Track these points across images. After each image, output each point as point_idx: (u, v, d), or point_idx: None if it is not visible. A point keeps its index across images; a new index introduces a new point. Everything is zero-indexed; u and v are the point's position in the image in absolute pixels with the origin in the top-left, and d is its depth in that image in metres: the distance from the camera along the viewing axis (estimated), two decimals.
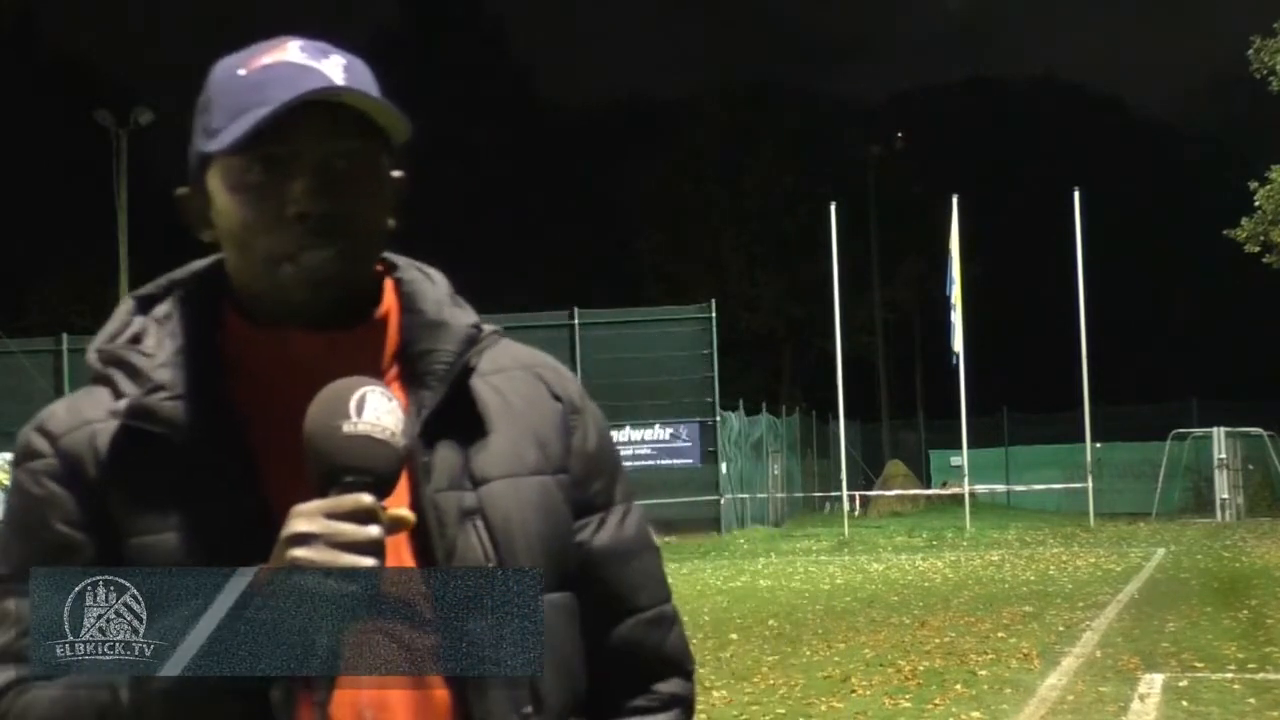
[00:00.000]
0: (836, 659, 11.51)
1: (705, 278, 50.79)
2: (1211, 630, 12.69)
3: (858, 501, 36.55)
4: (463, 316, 1.55)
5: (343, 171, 1.42)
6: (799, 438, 40.00)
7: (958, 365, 31.43)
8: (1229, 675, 10.22)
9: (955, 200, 31.80)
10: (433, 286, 1.57)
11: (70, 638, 1.40)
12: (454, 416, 1.49)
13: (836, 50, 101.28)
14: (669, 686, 1.61)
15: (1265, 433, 34.46)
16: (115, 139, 31.57)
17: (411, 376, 1.50)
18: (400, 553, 1.42)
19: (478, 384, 1.53)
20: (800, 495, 39.23)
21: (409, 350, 1.51)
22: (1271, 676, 10.12)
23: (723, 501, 30.28)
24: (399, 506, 1.37)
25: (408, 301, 1.54)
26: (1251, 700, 9.15)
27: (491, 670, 1.41)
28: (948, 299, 32.62)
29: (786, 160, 53.76)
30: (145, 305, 1.57)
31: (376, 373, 1.46)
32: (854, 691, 9.93)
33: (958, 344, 31.58)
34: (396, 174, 1.51)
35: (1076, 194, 31.03)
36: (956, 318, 31.92)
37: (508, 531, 1.47)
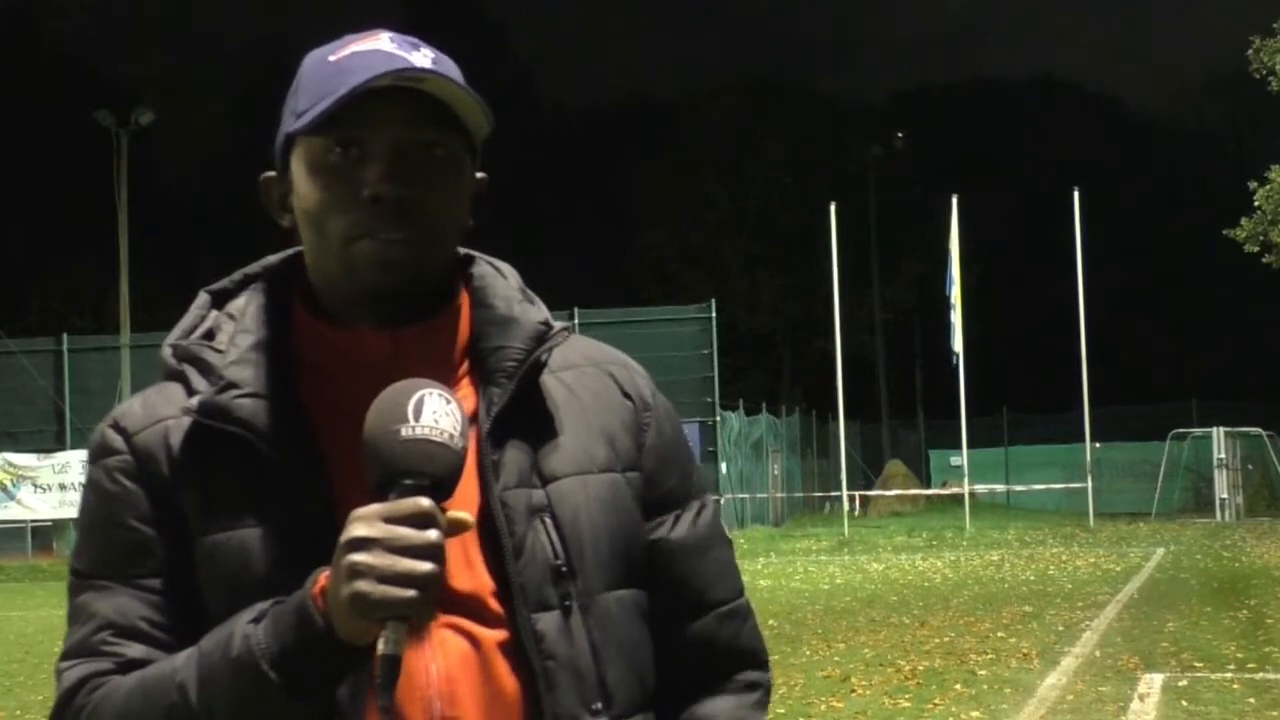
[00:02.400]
0: (836, 659, 11.51)
1: (705, 278, 50.81)
2: (1211, 630, 12.69)
3: (858, 501, 36.55)
4: (534, 313, 1.55)
5: (419, 159, 1.43)
6: (799, 438, 40.00)
7: (957, 365, 31.44)
8: (1228, 675, 10.22)
9: (955, 200, 31.81)
10: (504, 281, 1.57)
11: (142, 635, 1.42)
12: (523, 414, 1.49)
13: (837, 50, 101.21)
14: (747, 676, 1.61)
15: (1265, 433, 34.48)
16: (115, 139, 31.57)
17: (481, 373, 1.50)
18: (469, 550, 1.43)
19: (548, 380, 1.53)
20: (800, 495, 39.23)
21: (479, 346, 1.51)
22: (1271, 676, 10.13)
23: (722, 501, 30.29)
24: (467, 505, 1.37)
25: (479, 296, 1.55)
26: (1251, 700, 9.15)
27: (560, 666, 1.42)
28: (948, 299, 32.62)
29: (786, 160, 53.76)
30: (219, 300, 1.57)
31: (446, 370, 1.47)
32: (854, 691, 9.93)
33: (958, 344, 31.59)
34: (479, 175, 1.52)
35: (1076, 194, 31.03)
36: (956, 318, 31.92)
37: (576, 529, 1.47)
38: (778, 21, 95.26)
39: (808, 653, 11.92)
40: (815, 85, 66.92)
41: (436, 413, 1.31)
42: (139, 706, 1.37)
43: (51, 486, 28.14)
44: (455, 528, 1.31)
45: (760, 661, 1.63)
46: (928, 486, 39.48)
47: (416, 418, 1.30)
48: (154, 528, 1.45)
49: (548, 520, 1.46)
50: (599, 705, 1.45)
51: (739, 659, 1.61)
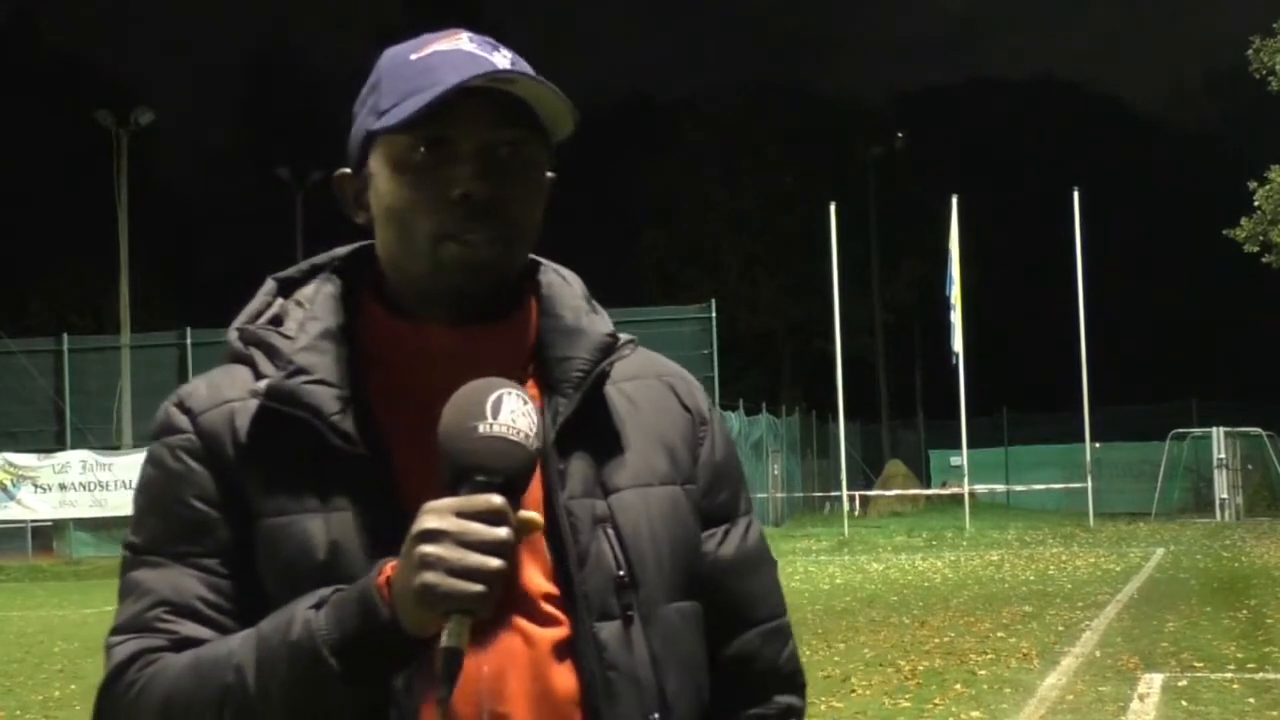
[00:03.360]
0: (836, 659, 11.51)
1: (705, 278, 50.79)
2: (1211, 630, 12.69)
3: (858, 501, 36.55)
4: (599, 324, 1.56)
5: (505, 159, 1.44)
6: (799, 438, 40.00)
7: (957, 365, 31.45)
8: (1228, 675, 10.22)
9: (955, 200, 31.81)
10: (570, 290, 1.58)
11: (197, 614, 1.42)
12: (588, 425, 1.50)
13: (837, 50, 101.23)
14: (783, 699, 1.61)
15: (1264, 433, 34.48)
16: (115, 139, 31.59)
17: (548, 382, 1.51)
18: (536, 556, 1.44)
19: (610, 391, 1.54)
20: (800, 495, 39.23)
21: (545, 354, 1.52)
22: (1271, 676, 10.13)
23: None
24: (531, 510, 1.37)
25: (546, 305, 1.55)
26: (1251, 700, 9.15)
27: (621, 676, 1.43)
28: (947, 299, 32.62)
29: (786, 160, 53.74)
30: (286, 288, 1.57)
31: (512, 372, 1.46)
32: (854, 691, 9.93)
33: (957, 344, 31.60)
34: (550, 174, 1.52)
35: (1076, 194, 31.04)
36: (956, 318, 31.92)
37: (637, 540, 1.48)
38: (778, 21, 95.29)
39: (808, 653, 11.92)
40: (815, 85, 66.93)
41: (514, 412, 1.32)
42: (191, 685, 1.37)
43: (51, 486, 28.14)
44: (525, 527, 1.31)
45: (798, 685, 1.64)
46: (928, 486, 39.49)
47: (494, 415, 1.31)
48: (215, 508, 1.45)
49: (610, 531, 1.47)
50: (657, 716, 1.46)
51: (778, 680, 1.61)
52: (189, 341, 31.30)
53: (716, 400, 32.60)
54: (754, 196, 53.97)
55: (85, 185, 41.34)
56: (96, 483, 27.94)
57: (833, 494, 37.00)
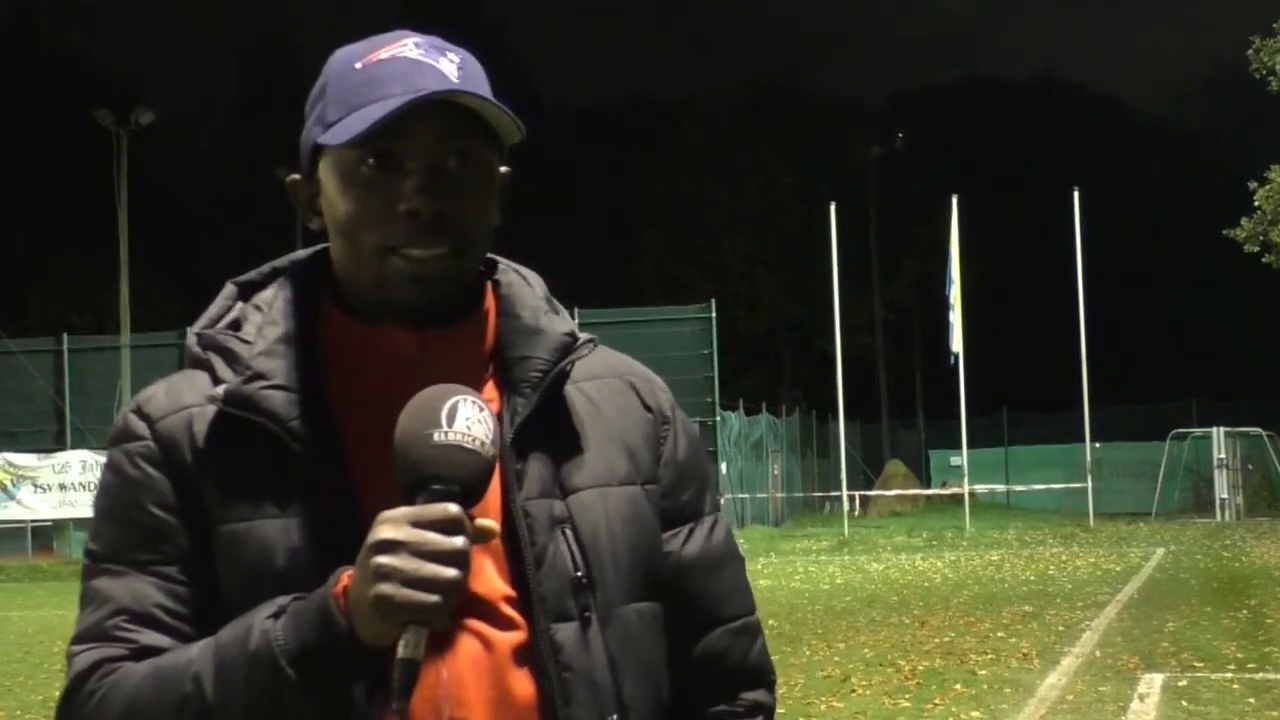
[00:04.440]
0: (836, 659, 11.51)
1: (705, 278, 50.77)
2: (1211, 630, 12.69)
3: (858, 501, 36.55)
4: (559, 324, 1.55)
5: (454, 171, 1.43)
6: (799, 438, 40.00)
7: (957, 365, 31.45)
8: (1228, 675, 10.22)
9: (955, 200, 31.81)
10: (530, 290, 1.57)
11: (156, 622, 1.42)
12: (546, 425, 1.49)
13: (837, 50, 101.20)
14: (752, 696, 1.61)
15: (1265, 433, 34.48)
16: (115, 139, 31.56)
17: (506, 382, 1.50)
18: (494, 558, 1.43)
19: (570, 391, 1.53)
20: (800, 495, 39.23)
21: (504, 354, 1.51)
22: (1271, 676, 10.13)
23: (722, 501, 30.30)
24: (489, 512, 1.37)
25: (505, 305, 1.55)
26: (1251, 700, 9.15)
27: (577, 678, 1.43)
28: (947, 299, 32.63)
29: (786, 160, 53.74)
30: (246, 292, 1.56)
31: (471, 373, 1.46)
32: (854, 691, 9.93)
33: (956, 344, 31.60)
34: (503, 169, 1.51)
35: (1076, 194, 31.04)
36: (955, 318, 31.93)
37: (595, 541, 1.47)
38: (778, 21, 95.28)
39: (808, 653, 11.92)
40: (815, 85, 67.08)
41: (470, 419, 1.31)
42: (151, 695, 1.37)
43: (51, 486, 28.13)
44: (482, 535, 1.31)
45: (768, 682, 1.63)
46: (928, 486, 39.49)
47: (450, 423, 1.30)
48: (174, 515, 1.44)
49: (568, 532, 1.47)
50: (615, 717, 1.45)
51: (746, 677, 1.61)
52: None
53: (716, 400, 32.60)
54: (754, 196, 53.96)
55: (85, 185, 41.31)
56: (96, 483, 27.91)
57: (833, 494, 37.00)
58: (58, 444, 30.18)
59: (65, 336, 32.55)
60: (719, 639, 1.58)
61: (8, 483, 28.17)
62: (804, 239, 49.27)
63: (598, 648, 1.45)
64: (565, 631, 1.43)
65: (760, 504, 34.31)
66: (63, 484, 28.04)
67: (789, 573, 20.80)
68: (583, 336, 1.56)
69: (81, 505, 28.05)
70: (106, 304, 38.74)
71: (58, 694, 1.46)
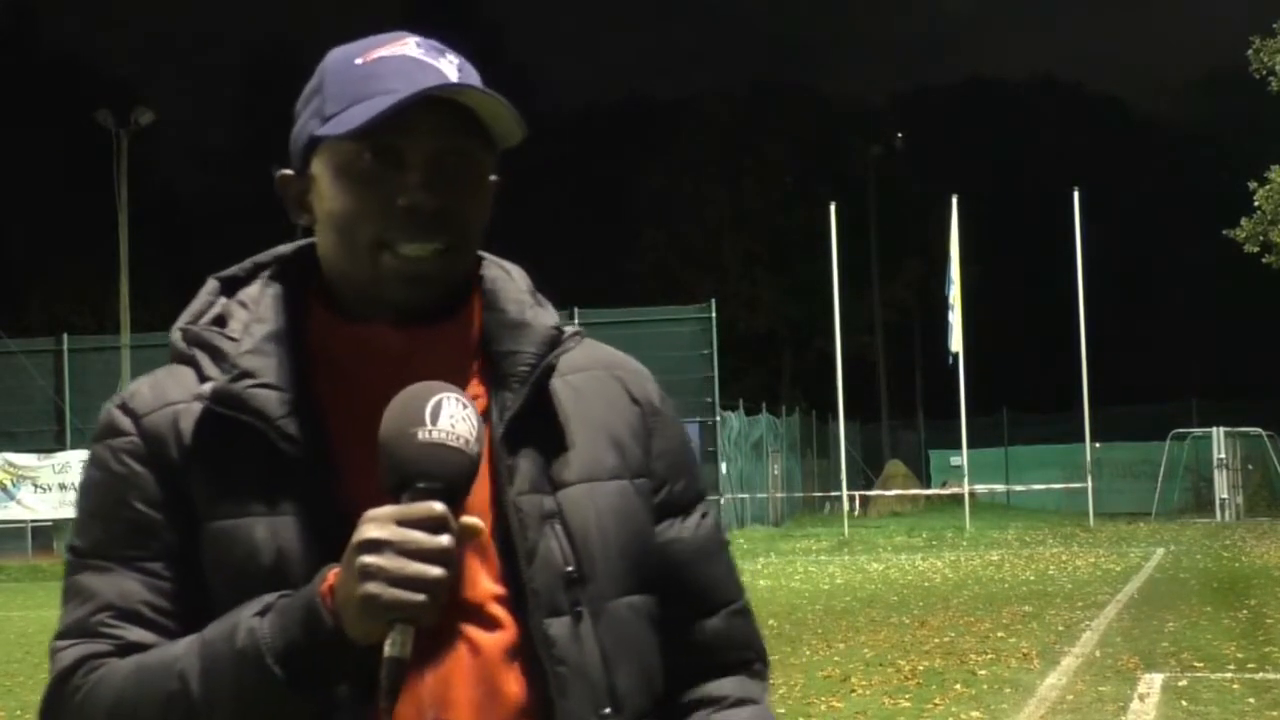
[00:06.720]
0: (836, 659, 11.51)
1: (705, 278, 50.78)
2: (1211, 630, 12.69)
3: (857, 501, 36.56)
4: (544, 317, 1.55)
5: (452, 168, 1.43)
6: (799, 438, 39.99)
7: (957, 365, 31.45)
8: (1228, 675, 10.22)
9: (955, 200, 31.81)
10: (514, 284, 1.57)
11: (142, 619, 1.41)
12: (535, 419, 1.49)
13: (836, 50, 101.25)
14: (758, 666, 1.64)
15: (1265, 432, 34.49)
16: (115, 139, 31.56)
17: (494, 377, 1.50)
18: (484, 555, 1.43)
19: (557, 384, 1.53)
20: (800, 495, 39.22)
21: (491, 349, 1.51)
22: (1271, 676, 10.12)
23: (723, 501, 30.28)
24: (479, 508, 1.37)
25: (489, 299, 1.54)
26: (1251, 700, 9.15)
27: (571, 672, 1.43)
28: (947, 299, 32.63)
29: (786, 160, 53.74)
30: (229, 287, 1.56)
31: (459, 369, 1.46)
32: (854, 691, 9.92)
33: (956, 344, 31.59)
34: (493, 178, 1.52)
35: (1076, 194, 31.04)
36: (955, 318, 31.92)
37: (585, 535, 1.48)
38: (778, 21, 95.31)
39: (808, 653, 11.92)
40: (815, 85, 66.87)
41: (454, 417, 1.31)
42: (136, 691, 1.36)
43: (51, 486, 28.13)
44: (467, 534, 1.31)
45: (762, 651, 1.66)
46: (928, 486, 39.49)
47: (434, 421, 1.30)
48: (159, 511, 1.44)
49: (558, 527, 1.47)
50: (608, 710, 1.46)
51: (744, 653, 1.63)
52: None
53: (716, 400, 32.63)
54: (754, 196, 53.96)
55: (85, 185, 41.33)
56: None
57: (833, 494, 37.00)
58: (58, 444, 30.20)
59: (65, 336, 32.59)
60: (719, 621, 1.60)
61: (8, 483, 28.17)
62: (804, 239, 49.24)
63: (590, 642, 1.45)
64: (558, 626, 1.44)
65: (760, 504, 34.31)
66: (63, 484, 28.01)
67: (789, 573, 20.80)
68: (569, 329, 1.56)
69: None
70: (106, 304, 38.75)
71: None
